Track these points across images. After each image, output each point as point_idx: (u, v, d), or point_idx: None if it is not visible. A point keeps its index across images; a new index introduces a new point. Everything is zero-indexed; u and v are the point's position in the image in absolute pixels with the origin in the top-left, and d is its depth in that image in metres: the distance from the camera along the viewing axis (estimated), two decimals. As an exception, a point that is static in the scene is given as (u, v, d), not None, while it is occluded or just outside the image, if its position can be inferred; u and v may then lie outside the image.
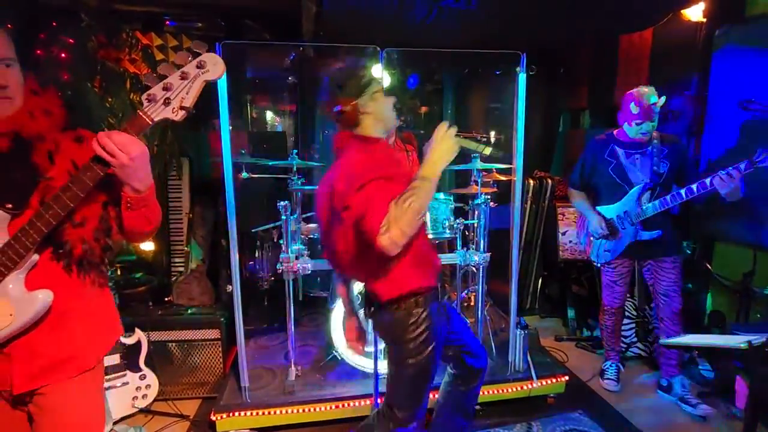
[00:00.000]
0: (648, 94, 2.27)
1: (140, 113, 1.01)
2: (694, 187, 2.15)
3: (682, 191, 2.20)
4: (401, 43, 2.45)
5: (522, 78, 2.27)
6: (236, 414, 2.16)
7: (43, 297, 1.03)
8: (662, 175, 2.33)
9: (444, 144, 1.34)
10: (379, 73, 3.29)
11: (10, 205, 1.02)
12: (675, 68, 3.02)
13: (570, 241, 3.43)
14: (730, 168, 2.03)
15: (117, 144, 0.99)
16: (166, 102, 1.00)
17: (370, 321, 1.66)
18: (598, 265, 2.62)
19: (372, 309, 1.57)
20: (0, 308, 0.99)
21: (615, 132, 2.49)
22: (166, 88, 0.99)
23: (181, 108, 1.01)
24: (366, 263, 1.45)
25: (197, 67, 1.00)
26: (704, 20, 2.80)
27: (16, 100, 1.07)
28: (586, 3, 2.72)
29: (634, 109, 2.31)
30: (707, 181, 2.11)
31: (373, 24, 2.87)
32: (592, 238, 2.57)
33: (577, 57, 4.01)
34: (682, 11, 2.86)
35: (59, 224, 1.04)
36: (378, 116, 1.51)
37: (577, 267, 3.53)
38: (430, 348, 1.48)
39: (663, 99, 2.29)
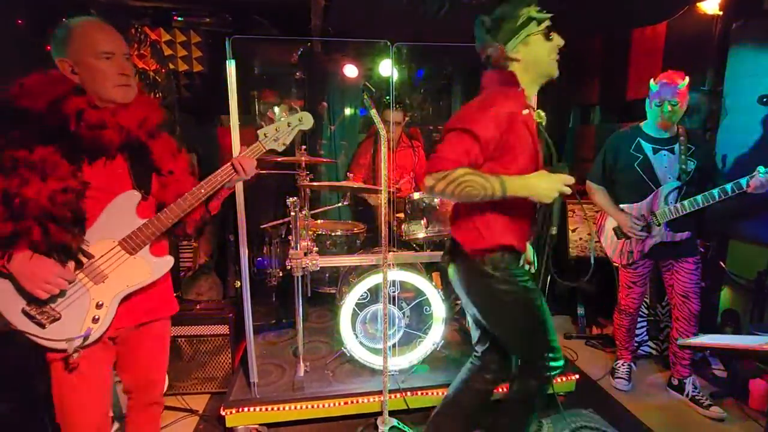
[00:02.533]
0: (672, 73, 2.19)
1: (259, 142, 1.47)
2: (728, 187, 2.06)
3: (715, 192, 2.11)
4: (411, 38, 2.43)
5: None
6: (245, 409, 2.16)
7: (171, 260, 1.42)
8: (689, 173, 2.25)
9: (549, 189, 1.32)
10: (389, 67, 3.28)
11: (144, 191, 1.36)
12: (690, 63, 2.95)
13: (580, 238, 3.39)
14: None
15: (244, 164, 1.42)
16: (276, 140, 1.48)
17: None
18: (621, 266, 2.52)
19: (449, 257, 1.60)
20: (143, 268, 1.36)
21: (641, 124, 2.38)
22: (276, 130, 1.48)
23: (283, 144, 1.49)
24: (455, 208, 1.57)
25: (298, 120, 1.50)
26: (720, 13, 2.74)
27: (134, 89, 1.33)
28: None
29: (653, 86, 2.23)
30: (743, 181, 2.02)
31: (382, 18, 2.85)
32: (618, 238, 2.46)
33: (588, 51, 3.95)
34: (697, 4, 2.81)
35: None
36: (529, 64, 1.40)
37: (587, 264, 3.49)
38: (518, 288, 1.48)
39: (686, 79, 2.18)
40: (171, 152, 1.44)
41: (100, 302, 1.31)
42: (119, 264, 1.32)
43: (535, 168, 1.40)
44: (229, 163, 1.42)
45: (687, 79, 2.20)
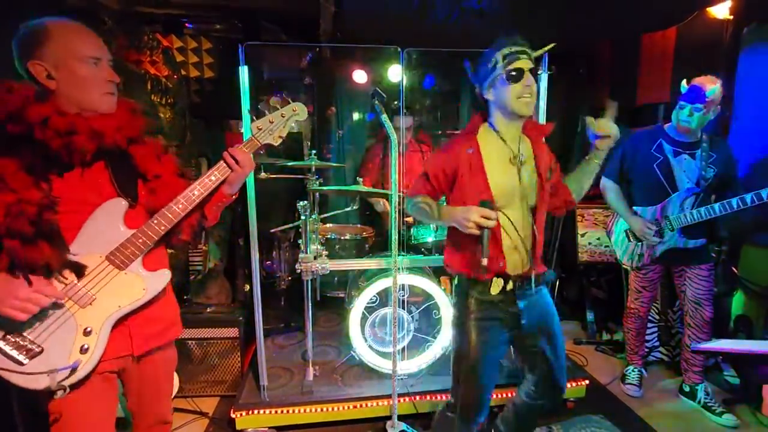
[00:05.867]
0: (705, 78, 2.14)
1: (253, 137, 1.34)
2: (747, 198, 2.02)
3: (734, 201, 2.05)
4: (420, 44, 2.44)
5: (544, 79, 2.24)
6: (255, 412, 2.17)
7: (168, 274, 1.27)
8: (708, 180, 2.20)
9: (464, 219, 1.40)
10: (398, 73, 3.30)
11: (130, 199, 1.22)
12: (700, 68, 2.93)
13: (589, 243, 3.38)
14: None
15: (236, 155, 1.29)
16: (271, 132, 1.36)
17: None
18: (630, 269, 2.50)
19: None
20: (136, 284, 1.21)
21: (665, 126, 2.32)
22: (270, 122, 1.35)
23: (279, 137, 1.37)
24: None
25: (292, 111, 1.38)
26: (731, 18, 2.73)
27: (116, 97, 1.23)
28: (607, 1, 2.68)
29: (683, 88, 2.19)
30: (764, 193, 1.98)
31: (392, 24, 2.87)
32: (630, 241, 2.43)
33: (598, 56, 3.95)
34: (707, 9, 2.80)
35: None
36: (498, 104, 1.49)
37: (596, 269, 3.48)
38: (466, 332, 1.55)
39: (718, 86, 2.11)
40: (155, 155, 1.31)
41: (89, 328, 1.14)
42: (108, 282, 1.17)
43: (481, 200, 1.46)
44: (221, 160, 1.30)
45: (718, 84, 2.12)
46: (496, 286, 1.52)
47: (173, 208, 1.23)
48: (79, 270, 1.14)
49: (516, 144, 1.53)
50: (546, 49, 1.51)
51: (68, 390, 1.12)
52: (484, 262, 1.38)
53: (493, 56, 1.44)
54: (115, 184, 1.21)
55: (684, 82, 2.23)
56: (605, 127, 1.52)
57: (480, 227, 1.38)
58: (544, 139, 1.63)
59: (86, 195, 1.17)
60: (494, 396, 2.29)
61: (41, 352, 1.09)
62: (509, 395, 2.28)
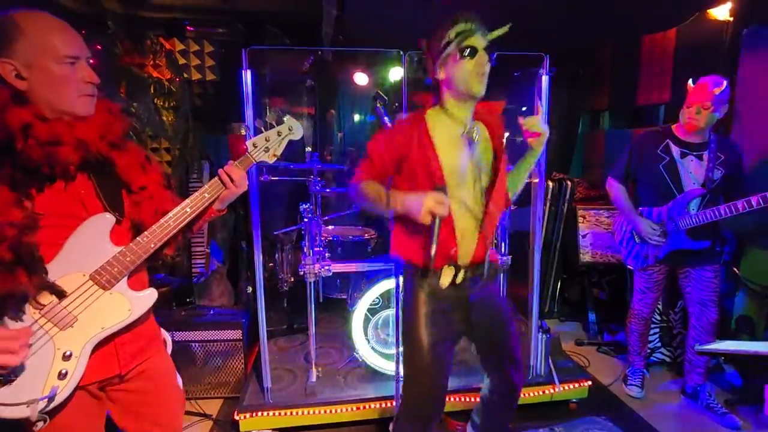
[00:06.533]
0: (711, 77, 2.14)
1: (248, 155, 1.30)
2: (753, 200, 2.00)
3: (740, 204, 2.03)
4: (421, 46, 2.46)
5: (545, 80, 2.25)
6: (259, 414, 2.18)
7: (155, 294, 1.19)
8: (715, 182, 2.18)
9: (417, 206, 1.29)
10: (399, 75, 3.31)
11: (117, 213, 1.14)
12: (700, 69, 2.94)
13: (591, 244, 3.38)
14: None
15: (232, 174, 1.25)
16: (266, 150, 1.33)
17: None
18: (635, 270, 2.50)
19: None
20: (121, 305, 1.13)
21: (673, 126, 2.31)
22: (266, 140, 1.33)
23: (274, 155, 1.34)
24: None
25: (288, 129, 1.35)
26: (731, 19, 2.74)
27: (95, 99, 1.12)
28: (608, 2, 2.69)
29: (689, 87, 2.19)
30: None
31: (394, 27, 2.88)
32: (635, 242, 2.43)
33: (598, 57, 3.97)
34: (707, 10, 2.81)
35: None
36: (450, 83, 1.42)
37: (598, 270, 3.48)
38: (416, 326, 1.48)
39: (725, 84, 2.10)
40: (140, 164, 1.21)
41: (68, 352, 1.04)
42: (91, 302, 1.07)
43: (433, 185, 1.38)
44: (215, 177, 1.25)
45: (725, 83, 2.11)
46: (447, 275, 1.46)
47: (164, 225, 1.15)
48: (59, 294, 1.04)
49: (467, 124, 1.47)
50: (501, 31, 1.42)
51: (47, 420, 1.02)
52: (433, 250, 1.31)
53: (446, 34, 1.38)
54: (101, 197, 1.12)
55: (690, 81, 2.23)
56: (535, 126, 1.50)
57: (433, 215, 1.29)
58: (499, 121, 1.57)
59: (70, 209, 1.07)
60: (462, 399, 2.31)
61: (14, 380, 0.99)
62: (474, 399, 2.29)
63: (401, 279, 1.59)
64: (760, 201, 1.99)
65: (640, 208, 2.39)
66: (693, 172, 2.23)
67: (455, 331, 1.55)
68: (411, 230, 1.46)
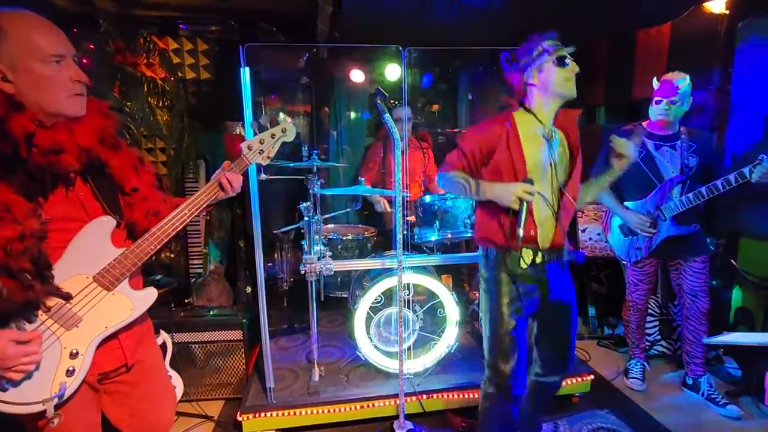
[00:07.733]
0: (674, 73, 2.27)
1: (243, 157, 1.34)
2: (731, 177, 2.07)
3: (719, 183, 2.11)
4: (419, 42, 2.44)
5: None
6: (262, 415, 2.16)
7: (155, 293, 1.23)
8: (692, 168, 2.28)
9: (506, 194, 1.53)
10: (398, 71, 3.30)
11: (117, 216, 1.16)
12: (696, 62, 2.97)
13: (590, 239, 3.39)
14: None
15: (232, 180, 1.29)
16: (260, 152, 1.36)
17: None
18: (628, 263, 2.54)
19: None
20: (123, 304, 1.17)
21: (644, 123, 2.42)
22: (261, 142, 1.36)
23: (268, 157, 1.38)
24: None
25: (282, 131, 1.39)
26: (726, 12, 2.75)
27: (85, 98, 1.11)
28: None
29: (655, 84, 2.31)
30: (746, 170, 2.02)
31: (390, 23, 2.86)
32: (625, 236, 2.48)
33: (594, 52, 3.97)
34: (702, 4, 2.82)
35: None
36: (544, 88, 1.61)
37: (597, 264, 3.49)
38: (498, 301, 1.66)
39: (687, 79, 2.24)
40: (132, 165, 1.22)
41: (75, 350, 1.09)
42: (96, 303, 1.11)
43: (516, 177, 1.60)
44: (215, 181, 1.28)
45: (687, 78, 2.26)
46: (527, 256, 1.65)
47: (164, 227, 1.18)
48: (66, 298, 1.07)
49: (548, 125, 1.67)
50: (572, 49, 1.65)
51: (61, 415, 1.06)
52: (521, 232, 1.50)
53: (539, 45, 1.60)
54: (101, 200, 1.13)
55: (655, 79, 2.34)
56: (623, 149, 1.68)
57: (521, 201, 1.51)
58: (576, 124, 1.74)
59: (72, 212, 1.08)
60: (462, 396, 2.32)
61: (25, 378, 1.03)
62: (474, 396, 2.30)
63: (481, 262, 1.77)
64: (737, 178, 2.07)
65: (626, 203, 2.44)
66: (669, 160, 2.32)
67: (533, 307, 1.71)
68: (495, 216, 1.66)
